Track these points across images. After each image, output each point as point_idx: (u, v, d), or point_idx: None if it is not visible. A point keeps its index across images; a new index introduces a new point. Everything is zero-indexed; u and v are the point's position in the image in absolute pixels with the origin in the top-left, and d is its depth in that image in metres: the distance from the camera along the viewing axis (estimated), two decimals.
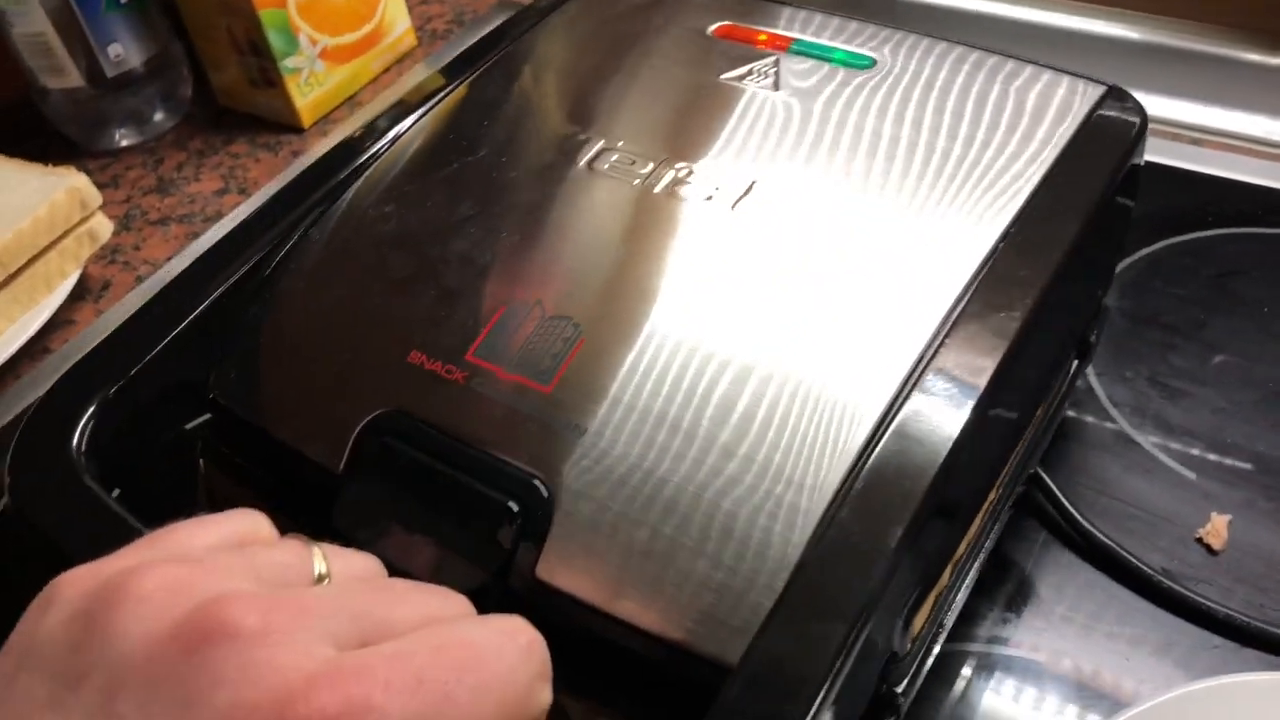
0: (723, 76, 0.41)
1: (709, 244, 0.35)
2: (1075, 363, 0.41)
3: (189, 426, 0.38)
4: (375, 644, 0.22)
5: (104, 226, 0.61)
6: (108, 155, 0.73)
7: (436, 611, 0.24)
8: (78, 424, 0.34)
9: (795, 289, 0.34)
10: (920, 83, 0.40)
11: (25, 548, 0.32)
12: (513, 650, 0.23)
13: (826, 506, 0.29)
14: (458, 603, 0.25)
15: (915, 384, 0.30)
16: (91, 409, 0.34)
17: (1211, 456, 0.46)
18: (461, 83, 0.44)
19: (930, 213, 0.35)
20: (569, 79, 0.44)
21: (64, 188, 0.58)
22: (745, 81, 0.41)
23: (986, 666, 0.40)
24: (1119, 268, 0.54)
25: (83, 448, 0.34)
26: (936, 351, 0.31)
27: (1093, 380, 0.49)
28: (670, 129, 0.40)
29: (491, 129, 0.41)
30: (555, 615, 0.31)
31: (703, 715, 0.28)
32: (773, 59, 0.42)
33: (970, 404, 0.30)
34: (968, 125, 0.38)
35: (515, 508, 0.31)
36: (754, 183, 0.37)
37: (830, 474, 0.29)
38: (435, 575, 0.31)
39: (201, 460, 0.39)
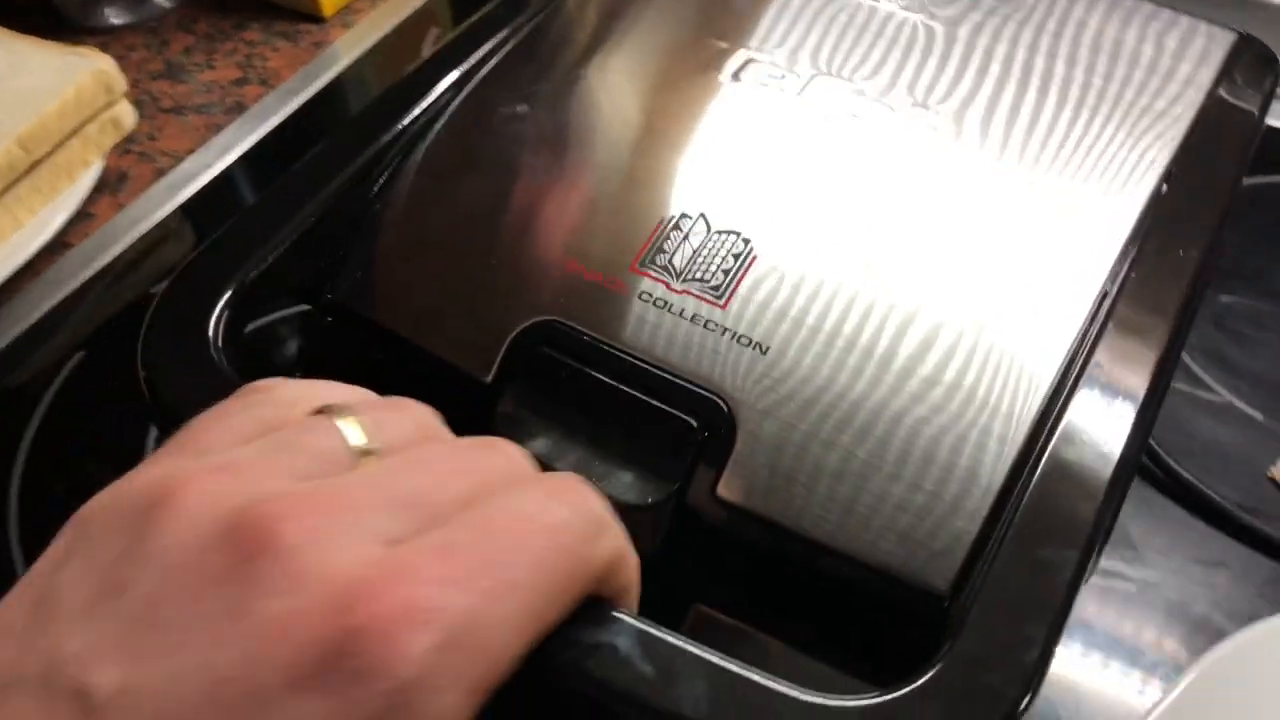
0: None
1: (872, 164, 0.35)
2: None
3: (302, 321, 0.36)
4: (424, 531, 0.21)
5: (128, 114, 0.57)
6: (103, 33, 0.68)
7: (485, 478, 0.23)
8: (213, 311, 0.32)
9: (967, 215, 0.33)
10: (1056, 17, 0.39)
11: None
12: (565, 513, 0.22)
13: (1027, 435, 0.29)
14: (505, 459, 0.24)
15: (1108, 316, 0.31)
16: (227, 296, 0.32)
17: (1275, 398, 0.47)
18: None
19: (1091, 146, 0.35)
20: None
21: (89, 70, 0.54)
22: (886, 1, 0.40)
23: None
24: None
25: (219, 338, 0.31)
26: (1122, 285, 0.31)
27: None
28: (815, 44, 0.39)
29: (620, 32, 0.39)
30: (736, 536, 0.30)
31: (896, 636, 0.29)
32: None
33: (1164, 335, 0.30)
34: (1111, 62, 0.38)
35: (695, 424, 0.30)
36: (907, 104, 0.36)
37: (1028, 403, 0.30)
38: (602, 492, 0.30)
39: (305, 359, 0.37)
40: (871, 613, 0.29)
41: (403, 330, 0.34)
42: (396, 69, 0.66)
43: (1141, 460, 0.45)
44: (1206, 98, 0.37)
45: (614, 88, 0.37)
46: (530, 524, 0.21)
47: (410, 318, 0.34)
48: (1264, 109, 0.37)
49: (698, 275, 0.32)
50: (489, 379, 0.32)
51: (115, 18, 0.69)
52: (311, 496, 0.21)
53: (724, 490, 0.30)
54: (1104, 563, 0.42)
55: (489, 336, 0.33)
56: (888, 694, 0.24)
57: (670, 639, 0.24)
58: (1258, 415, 0.47)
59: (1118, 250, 0.32)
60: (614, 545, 0.23)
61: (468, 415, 0.31)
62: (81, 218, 0.57)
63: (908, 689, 0.24)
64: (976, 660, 0.25)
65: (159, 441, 0.46)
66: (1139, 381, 0.30)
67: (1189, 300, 0.31)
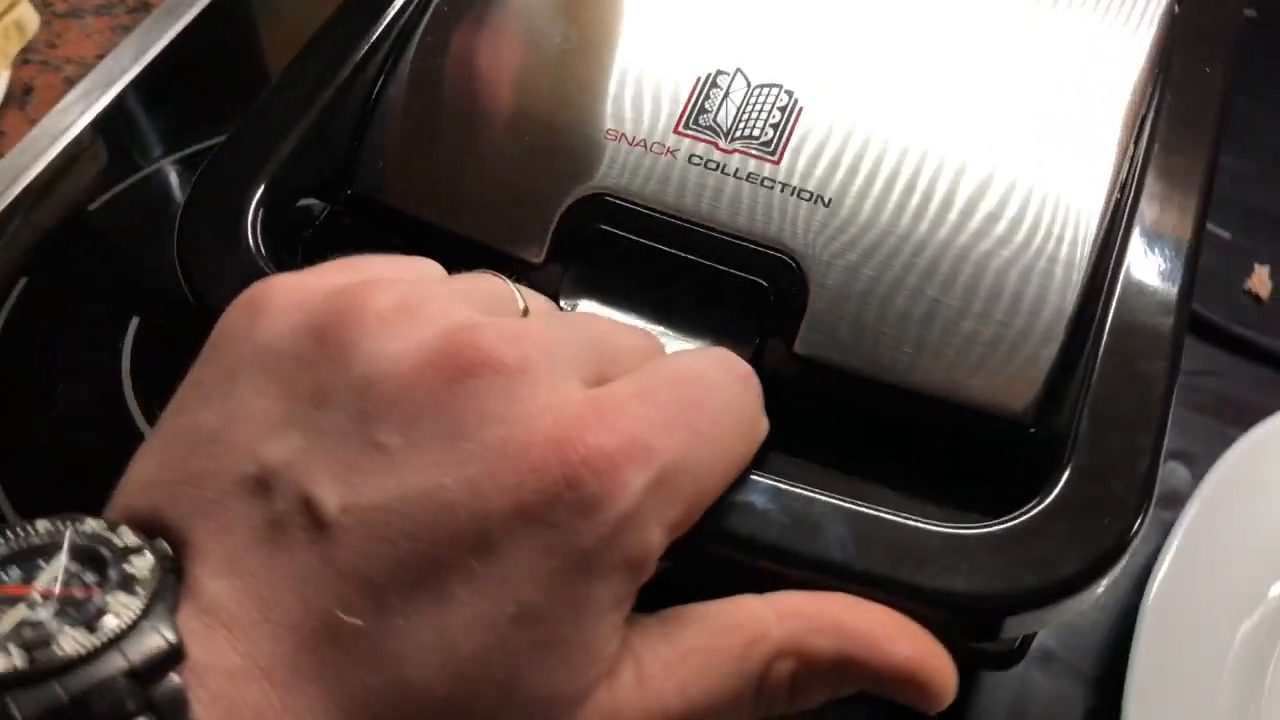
0: None
1: (904, 10, 0.34)
2: None
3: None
4: (613, 378, 0.21)
5: (31, 17, 0.51)
6: None
7: (646, 342, 0.25)
8: (248, 208, 0.29)
9: (1000, 55, 0.33)
10: None
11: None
12: (734, 380, 0.23)
13: (1093, 259, 0.30)
14: (653, 336, 0.26)
15: (1151, 138, 0.31)
16: (259, 192, 0.30)
17: (1244, 215, 0.50)
18: None
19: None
20: None
21: None
22: None
23: None
24: None
25: (258, 233, 0.29)
26: (1159, 106, 0.32)
27: None
28: None
29: None
30: (819, 390, 0.30)
31: (993, 472, 0.29)
32: None
33: (1207, 152, 0.31)
34: None
35: (765, 285, 0.30)
36: None
37: (1087, 228, 0.30)
38: None
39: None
40: (967, 450, 0.30)
41: (438, 219, 0.32)
42: None
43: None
44: None
45: None
46: (711, 383, 0.22)
47: (443, 205, 0.32)
48: None
49: (746, 132, 0.31)
50: (540, 260, 0.31)
51: None
52: (518, 327, 0.21)
53: (801, 347, 0.30)
54: None
55: (533, 216, 0.31)
56: (1021, 515, 0.25)
57: (803, 490, 0.25)
58: (1226, 235, 0.49)
59: (1146, 74, 0.33)
60: (767, 424, 0.24)
61: None
62: None
63: (1038, 509, 0.25)
64: (1096, 474, 0.25)
65: (132, 362, 0.44)
66: (1190, 197, 0.31)
67: (1223, 112, 0.32)
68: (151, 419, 0.41)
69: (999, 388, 0.29)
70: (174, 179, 0.52)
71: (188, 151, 0.52)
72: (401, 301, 0.20)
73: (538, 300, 0.25)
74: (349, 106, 0.33)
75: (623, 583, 0.20)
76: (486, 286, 0.24)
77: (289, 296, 0.21)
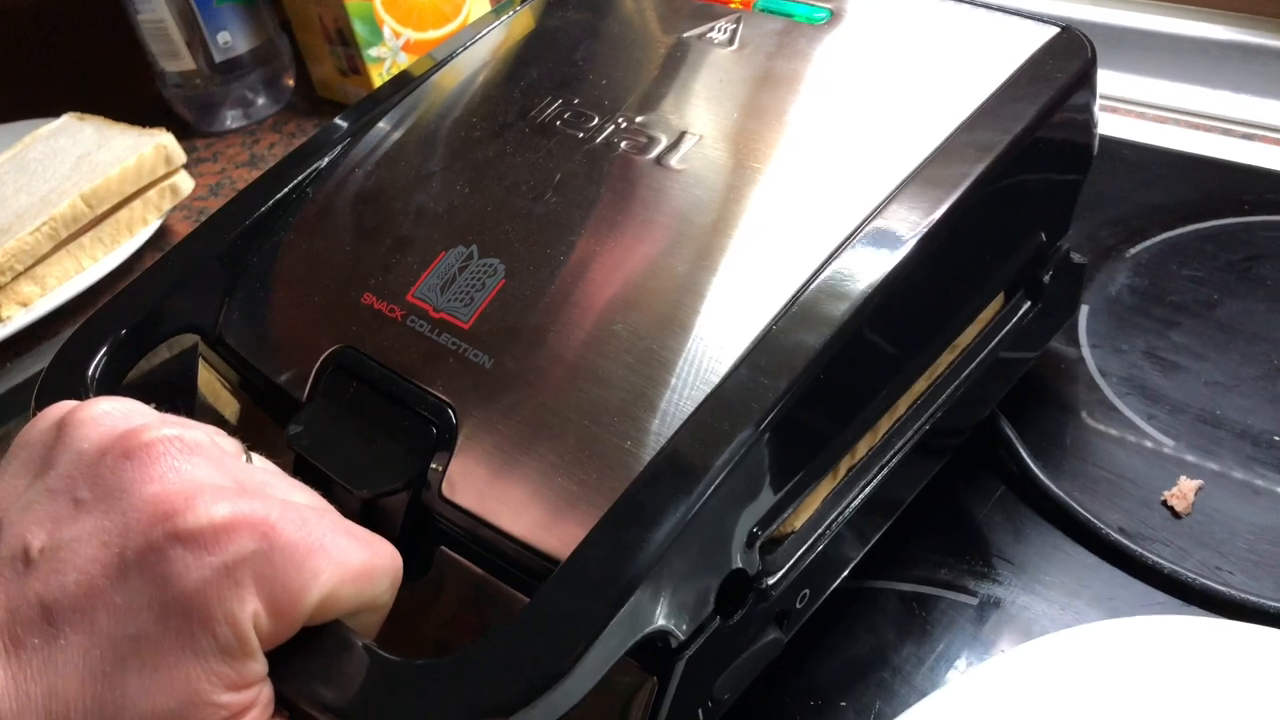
0: (685, 34, 0.43)
1: (633, 193, 0.37)
2: (1027, 305, 0.40)
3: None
4: (237, 494, 0.27)
5: (185, 182, 0.67)
6: (216, 135, 0.81)
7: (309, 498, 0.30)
8: (91, 362, 0.37)
9: (710, 236, 0.35)
10: (869, 32, 0.41)
11: None
12: (366, 551, 0.28)
13: (676, 431, 0.30)
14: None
15: (796, 299, 0.32)
16: (103, 349, 0.38)
17: (1196, 426, 0.44)
18: (451, 59, 0.47)
19: (852, 148, 0.36)
20: (544, 46, 0.46)
21: (152, 144, 0.65)
22: (704, 38, 0.43)
23: (913, 604, 0.39)
24: (1131, 250, 0.53)
25: (95, 379, 0.37)
26: (832, 256, 0.32)
27: (1085, 351, 0.48)
28: (621, 85, 0.42)
29: (469, 96, 0.44)
30: (454, 525, 0.33)
31: None
32: (736, 16, 0.43)
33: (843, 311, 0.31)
34: (910, 68, 0.39)
35: (434, 431, 0.33)
36: (683, 134, 0.38)
37: (685, 404, 0.31)
38: (358, 482, 0.34)
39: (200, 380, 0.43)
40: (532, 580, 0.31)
41: (257, 362, 0.39)
42: None
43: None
44: (996, 90, 0.36)
45: (443, 143, 0.42)
46: (349, 539, 0.28)
47: (263, 350, 0.39)
48: (1054, 101, 0.36)
49: (454, 299, 0.36)
50: (304, 397, 0.37)
51: (231, 122, 0.82)
52: (189, 437, 0.28)
53: (445, 490, 0.33)
54: (943, 574, 0.40)
55: (306, 362, 0.37)
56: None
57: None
58: (1169, 441, 0.43)
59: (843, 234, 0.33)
60: (370, 595, 0.28)
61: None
62: (140, 270, 0.67)
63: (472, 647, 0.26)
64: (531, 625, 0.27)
65: None
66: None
67: (898, 276, 0.31)
68: None
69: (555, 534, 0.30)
70: None
71: None
72: (111, 411, 0.28)
73: (266, 462, 0.31)
74: (220, 271, 0.41)
75: (222, 635, 0.24)
76: (220, 439, 0.29)
77: (49, 415, 0.29)
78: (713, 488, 0.28)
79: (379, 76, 0.77)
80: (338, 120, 0.46)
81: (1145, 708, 0.32)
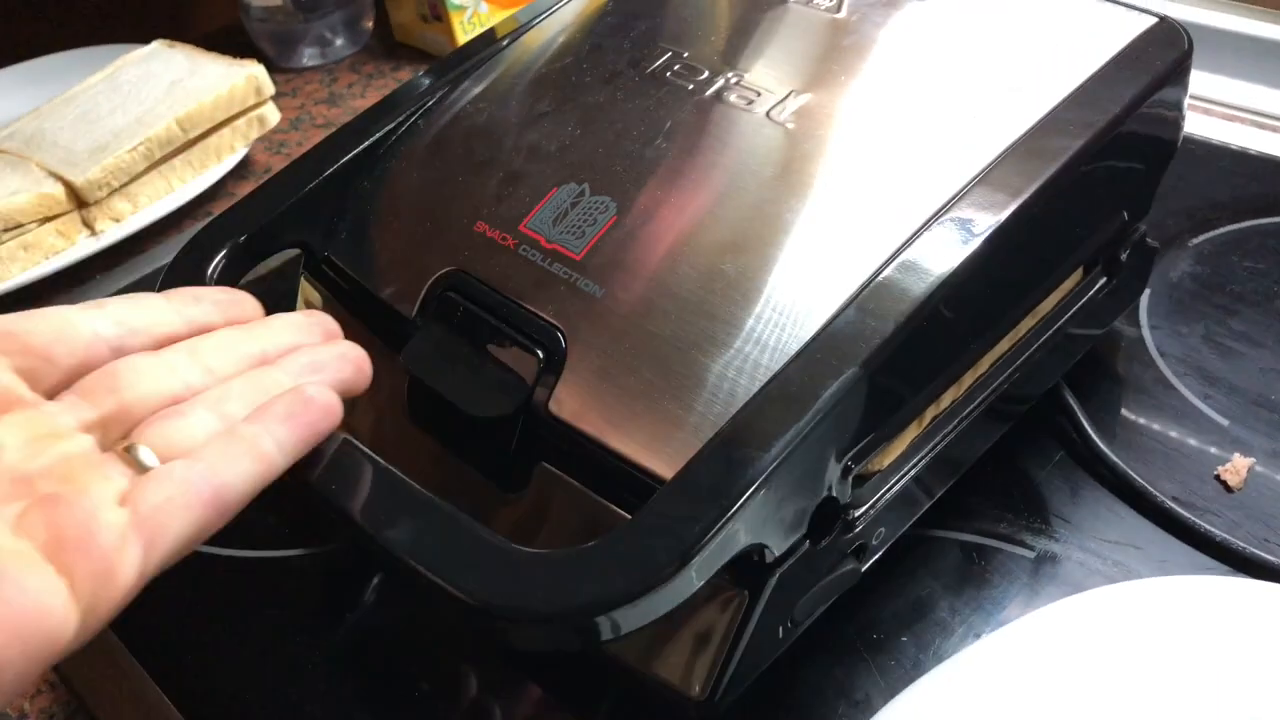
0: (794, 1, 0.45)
1: (741, 143, 0.39)
2: (1103, 280, 0.42)
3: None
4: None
5: (273, 113, 0.69)
6: (294, 72, 0.83)
7: None
8: (211, 262, 0.40)
9: (817, 190, 0.37)
10: (973, 9, 0.42)
11: None
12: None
13: (783, 364, 0.32)
14: None
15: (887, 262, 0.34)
16: (223, 252, 0.40)
17: (1251, 409, 0.46)
18: (561, 5, 0.49)
19: (955, 117, 0.38)
20: (650, 2, 0.48)
21: (244, 74, 0.67)
22: (812, 3, 0.44)
23: (973, 554, 0.41)
24: (1195, 240, 0.54)
25: (213, 280, 0.39)
26: (937, 215, 0.34)
27: (1145, 332, 0.50)
28: (730, 43, 0.43)
29: (577, 44, 0.46)
30: (560, 442, 0.35)
31: None
32: None
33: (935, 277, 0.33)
34: (1011, 47, 0.40)
35: (540, 354, 0.36)
36: (791, 92, 0.40)
37: (791, 343, 0.33)
38: (473, 406, 0.36)
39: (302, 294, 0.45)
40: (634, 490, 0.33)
41: (365, 279, 0.41)
42: None
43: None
44: (1090, 77, 0.38)
45: (554, 86, 0.44)
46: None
47: (371, 269, 0.41)
48: (1148, 89, 0.38)
49: (567, 232, 0.38)
50: (413, 315, 0.39)
51: (309, 60, 0.84)
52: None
53: (553, 406, 0.35)
54: (1002, 527, 0.42)
55: (416, 283, 0.39)
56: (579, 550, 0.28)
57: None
58: (1223, 420, 0.45)
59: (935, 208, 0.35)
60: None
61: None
62: (226, 195, 0.69)
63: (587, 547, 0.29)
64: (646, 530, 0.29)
65: None
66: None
67: (991, 243, 0.33)
68: None
69: (660, 452, 0.33)
70: None
71: None
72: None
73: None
74: (331, 193, 0.43)
75: None
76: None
77: None
78: (820, 417, 0.31)
79: (459, 25, 0.78)
80: (449, 57, 0.48)
81: (1193, 663, 0.34)
